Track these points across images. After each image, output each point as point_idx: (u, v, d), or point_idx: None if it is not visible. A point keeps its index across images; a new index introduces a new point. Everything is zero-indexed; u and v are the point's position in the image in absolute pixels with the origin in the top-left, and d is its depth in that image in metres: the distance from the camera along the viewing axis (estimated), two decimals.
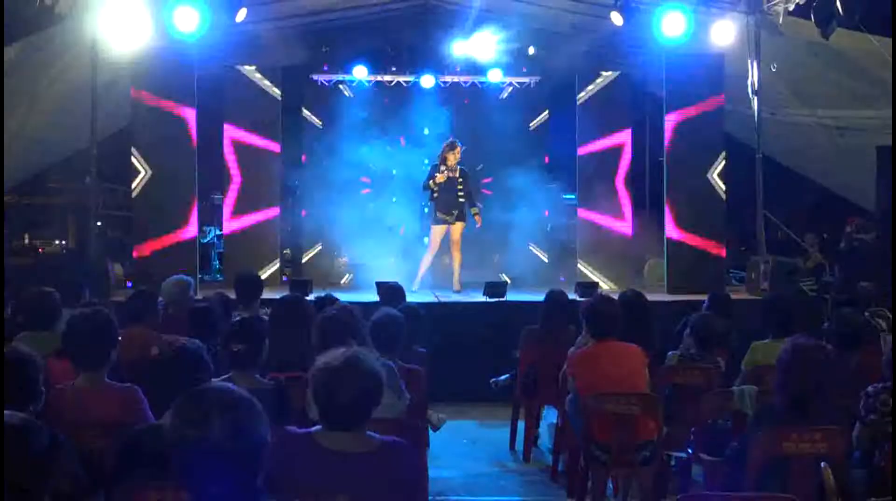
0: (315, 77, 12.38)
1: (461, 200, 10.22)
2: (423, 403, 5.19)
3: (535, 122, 12.92)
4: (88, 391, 3.83)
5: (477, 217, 10.28)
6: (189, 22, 9.09)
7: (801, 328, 5.18)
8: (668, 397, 5.23)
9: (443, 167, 10.15)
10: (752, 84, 10.10)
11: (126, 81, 9.98)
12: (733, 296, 7.71)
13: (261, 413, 2.25)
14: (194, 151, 9.95)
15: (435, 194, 10.19)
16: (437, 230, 10.32)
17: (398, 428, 3.79)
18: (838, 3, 8.12)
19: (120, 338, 4.13)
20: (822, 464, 3.59)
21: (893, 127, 8.42)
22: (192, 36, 9.20)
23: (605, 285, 10.76)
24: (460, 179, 10.18)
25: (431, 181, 10.18)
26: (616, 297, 5.93)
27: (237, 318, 4.50)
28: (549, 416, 7.01)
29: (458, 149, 10.24)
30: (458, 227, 10.29)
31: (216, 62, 11.02)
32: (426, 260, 10.50)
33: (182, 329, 5.05)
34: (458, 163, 10.23)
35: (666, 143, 10.60)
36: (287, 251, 12.58)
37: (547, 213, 12.64)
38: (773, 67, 9.86)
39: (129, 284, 9.92)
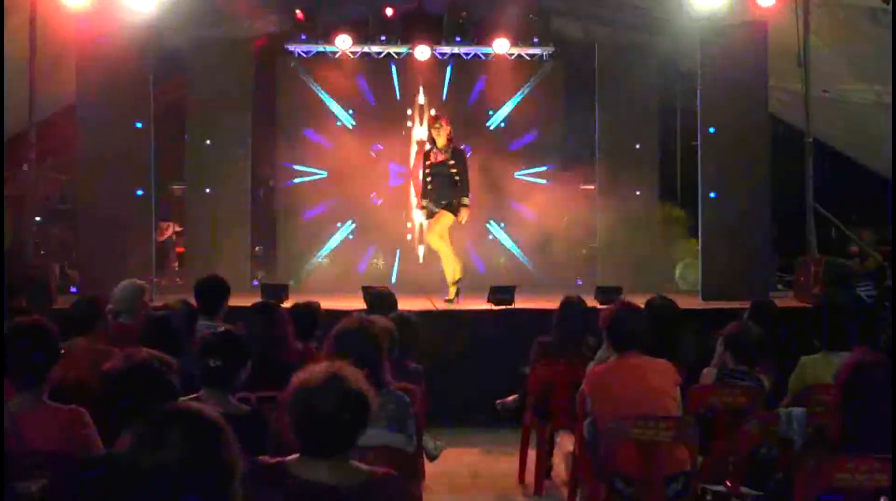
0: (292, 48, 12.36)
1: (452, 186, 9.88)
2: (419, 428, 5.18)
3: (547, 99, 12.90)
4: (25, 414, 3.81)
5: (463, 211, 9.82)
6: None
7: (858, 340, 5.17)
8: (703, 421, 5.22)
9: (430, 146, 10.00)
10: (800, 56, 10.08)
11: (72, 53, 9.96)
12: (779, 303, 7.71)
13: (231, 439, 2.24)
14: (151, 135, 9.94)
15: (429, 181, 9.93)
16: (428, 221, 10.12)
17: (388, 457, 3.78)
18: None
19: (63, 352, 4.12)
20: (882, 499, 3.58)
21: (893, 119, 8.44)
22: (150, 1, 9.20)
23: (629, 291, 10.76)
24: (452, 162, 9.84)
25: (423, 166, 10.05)
26: (642, 304, 5.92)
27: (220, 330, 4.52)
28: (565, 443, 7.00)
29: (445, 124, 9.85)
30: (448, 218, 9.89)
31: (178, 31, 11.01)
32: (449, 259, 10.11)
33: (136, 342, 5.04)
34: (450, 141, 9.89)
35: (700, 124, 10.59)
36: (259, 249, 12.60)
37: (562, 206, 12.64)
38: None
39: (74, 289, 9.91)
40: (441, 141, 9.84)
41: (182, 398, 3.67)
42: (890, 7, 8.48)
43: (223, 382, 4.17)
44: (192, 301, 6.49)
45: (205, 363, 4.16)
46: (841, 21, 10.02)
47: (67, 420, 3.83)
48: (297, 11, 11.88)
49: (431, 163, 9.92)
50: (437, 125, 9.87)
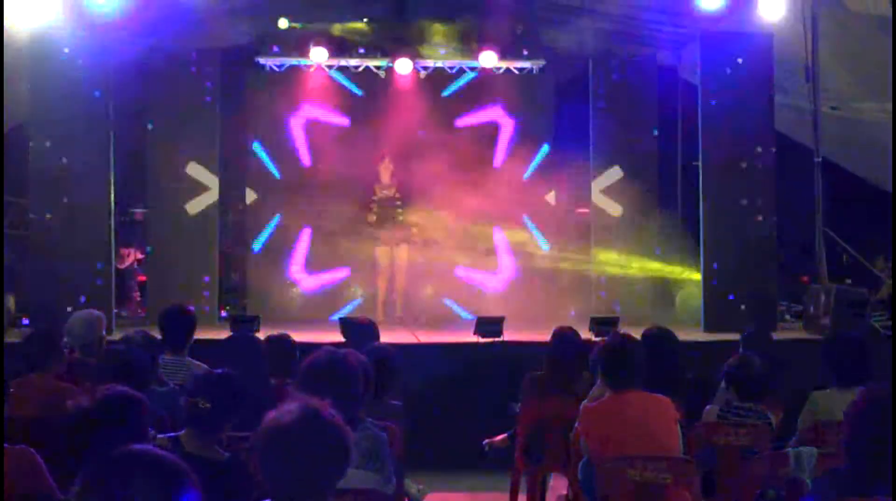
0: (262, 61, 12.40)
1: (401, 219, 11.49)
2: (399, 470, 5.17)
3: (538, 117, 12.94)
4: None
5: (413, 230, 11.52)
6: None
7: (872, 374, 5.19)
8: (706, 461, 5.24)
9: (376, 185, 11.55)
10: (808, 70, 10.15)
11: (26, 67, 9.96)
12: (788, 335, 7.76)
13: (192, 486, 2.24)
14: (110, 155, 9.93)
15: (374, 215, 11.48)
16: (383, 253, 11.55)
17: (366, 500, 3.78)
18: None
19: (12, 390, 4.10)
20: None
21: (893, 127, 8.52)
22: (109, 9, 9.20)
23: (627, 321, 10.78)
24: (398, 198, 11.48)
25: (372, 203, 11.50)
26: (639, 336, 5.93)
27: (219, 371, 4.52)
28: (558, 486, 6.99)
29: (388, 162, 11.51)
30: (402, 250, 11.52)
31: (138, 43, 11.02)
32: (381, 286, 11.62)
33: (93, 378, 5.02)
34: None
35: (701, 143, 10.64)
36: (229, 276, 12.58)
37: (554, 230, 12.67)
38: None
39: (26, 321, 9.86)
40: (385, 178, 11.59)
41: (160, 437, 3.67)
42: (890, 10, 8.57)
43: (209, 425, 4.15)
44: (155, 334, 6.48)
45: (193, 402, 4.15)
46: (852, 33, 10.09)
47: (16, 462, 3.79)
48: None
49: (379, 199, 11.57)
50: (381, 164, 11.61)
